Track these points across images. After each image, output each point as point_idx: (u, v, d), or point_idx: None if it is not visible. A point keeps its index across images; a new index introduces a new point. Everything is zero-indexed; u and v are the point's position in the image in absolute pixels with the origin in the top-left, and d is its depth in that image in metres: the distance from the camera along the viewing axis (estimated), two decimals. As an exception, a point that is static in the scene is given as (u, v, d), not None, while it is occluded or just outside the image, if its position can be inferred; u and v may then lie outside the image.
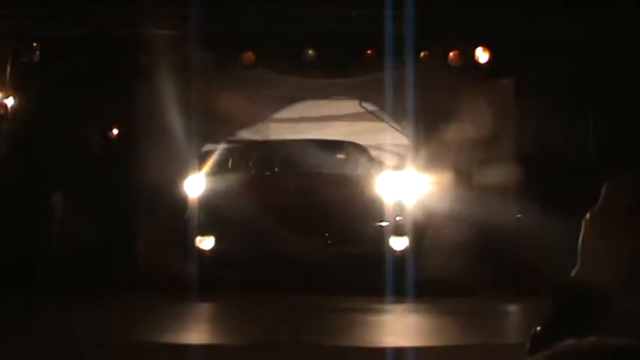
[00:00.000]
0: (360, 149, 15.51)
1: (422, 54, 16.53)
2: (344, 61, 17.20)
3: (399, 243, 12.46)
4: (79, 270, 14.12)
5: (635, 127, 15.01)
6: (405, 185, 12.83)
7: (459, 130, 16.68)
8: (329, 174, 13.89)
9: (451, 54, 16.55)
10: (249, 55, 16.75)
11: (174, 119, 15.50)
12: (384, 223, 12.45)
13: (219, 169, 13.69)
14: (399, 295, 11.88)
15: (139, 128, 16.47)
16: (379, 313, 11.42)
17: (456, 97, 16.83)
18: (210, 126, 16.61)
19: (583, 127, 16.59)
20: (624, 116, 15.42)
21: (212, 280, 12.60)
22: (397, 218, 12.52)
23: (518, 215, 15.51)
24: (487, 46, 16.56)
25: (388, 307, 11.78)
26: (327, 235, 12.48)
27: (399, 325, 11.39)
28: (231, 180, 13.56)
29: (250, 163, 15.22)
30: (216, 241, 12.57)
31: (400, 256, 12.37)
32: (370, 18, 15.98)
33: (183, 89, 16.90)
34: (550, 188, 15.07)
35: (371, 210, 12.52)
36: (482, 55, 16.74)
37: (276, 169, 14.35)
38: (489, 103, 17.16)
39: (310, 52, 16.70)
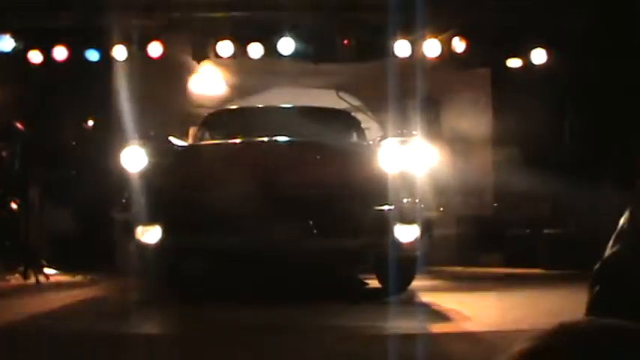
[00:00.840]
0: (356, 121, 11.89)
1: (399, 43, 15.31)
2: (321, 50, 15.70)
3: (406, 233, 8.17)
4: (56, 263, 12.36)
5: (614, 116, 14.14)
6: (415, 158, 8.39)
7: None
8: (315, 143, 9.58)
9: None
10: (225, 44, 15.63)
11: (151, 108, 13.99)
12: (386, 207, 8.17)
13: (170, 137, 9.33)
14: (407, 307, 8.24)
15: (114, 118, 14.02)
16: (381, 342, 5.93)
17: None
18: (184, 115, 14.99)
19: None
20: (604, 108, 14.45)
21: (156, 286, 9.06)
22: (404, 200, 8.23)
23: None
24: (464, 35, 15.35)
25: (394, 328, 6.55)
26: (311, 222, 8.13)
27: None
28: (183, 149, 9.29)
29: (216, 131, 11.14)
30: (164, 233, 8.14)
31: (408, 250, 8.29)
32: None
33: (157, 79, 16.25)
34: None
35: (370, 190, 8.28)
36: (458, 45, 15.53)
37: (245, 138, 9.75)
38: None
39: (287, 40, 15.38)
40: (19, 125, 12.80)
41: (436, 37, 15.46)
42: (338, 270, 10.49)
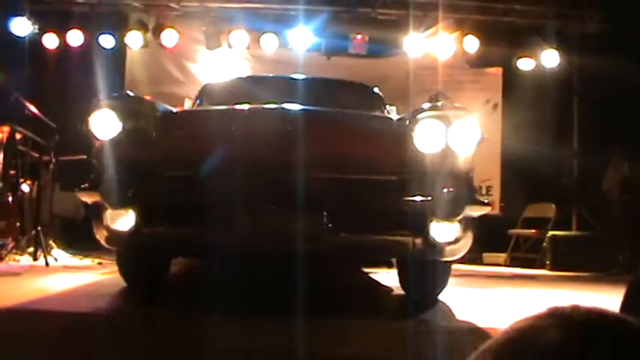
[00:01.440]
0: (381, 98, 8.47)
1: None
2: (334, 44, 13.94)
3: (446, 231, 5.28)
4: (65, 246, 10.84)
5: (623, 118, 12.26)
6: (461, 137, 5.39)
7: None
8: (334, 114, 6.34)
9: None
10: (239, 35, 13.69)
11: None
12: (421, 198, 5.22)
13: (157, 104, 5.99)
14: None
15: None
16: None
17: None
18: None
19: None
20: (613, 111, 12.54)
21: (129, 288, 6.18)
22: (444, 191, 5.25)
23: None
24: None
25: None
26: (325, 214, 5.14)
27: None
28: (169, 114, 5.95)
29: (216, 102, 7.71)
30: (139, 219, 5.28)
31: (445, 253, 5.45)
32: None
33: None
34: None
35: (401, 176, 5.39)
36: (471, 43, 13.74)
37: (251, 105, 6.32)
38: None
39: (300, 33, 13.53)
40: (32, 108, 10.73)
41: (449, 34, 13.10)
42: (358, 276, 7.36)
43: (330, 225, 5.07)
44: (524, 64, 13.57)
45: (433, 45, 13.30)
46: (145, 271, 5.98)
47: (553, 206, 13.30)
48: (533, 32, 13.38)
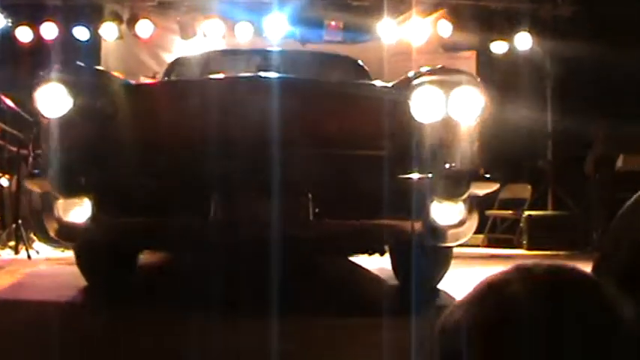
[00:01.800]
0: (366, 72, 7.08)
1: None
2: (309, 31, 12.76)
3: (448, 213, 4.26)
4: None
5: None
6: (463, 106, 4.31)
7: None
8: (318, 83, 5.29)
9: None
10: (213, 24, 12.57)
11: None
12: (419, 176, 4.19)
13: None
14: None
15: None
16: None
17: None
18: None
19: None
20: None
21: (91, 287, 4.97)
22: (446, 166, 4.29)
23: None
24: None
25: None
26: (310, 197, 4.09)
27: None
28: (129, 87, 4.70)
29: (186, 72, 6.67)
30: (96, 209, 4.17)
31: (447, 238, 4.41)
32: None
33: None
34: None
35: (396, 150, 4.30)
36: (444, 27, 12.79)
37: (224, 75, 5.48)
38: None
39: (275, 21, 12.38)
40: (8, 102, 10.08)
41: (423, 18, 12.12)
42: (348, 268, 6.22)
43: (315, 209, 4.05)
44: (498, 48, 12.60)
45: (407, 30, 12.32)
46: (107, 268, 4.84)
47: (529, 187, 12.42)
48: (506, 15, 12.39)
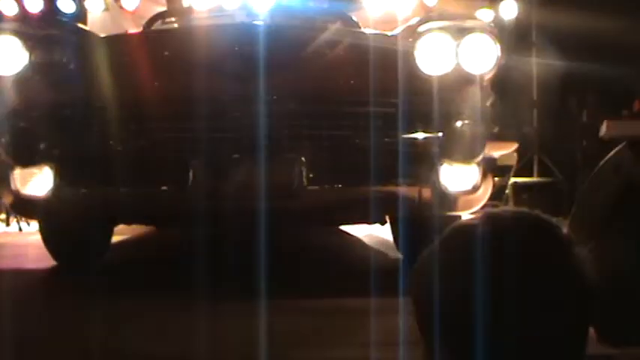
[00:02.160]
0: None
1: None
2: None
3: (461, 177, 3.43)
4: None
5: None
6: (475, 55, 3.44)
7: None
8: (309, 29, 4.48)
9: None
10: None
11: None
12: (427, 135, 3.41)
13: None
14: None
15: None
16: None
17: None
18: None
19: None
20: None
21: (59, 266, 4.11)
22: (457, 124, 3.43)
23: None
24: None
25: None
26: (304, 161, 3.29)
27: None
28: (93, 39, 3.70)
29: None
30: (59, 179, 3.39)
31: (459, 205, 3.55)
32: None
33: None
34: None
35: (399, 107, 3.40)
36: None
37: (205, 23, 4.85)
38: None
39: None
40: None
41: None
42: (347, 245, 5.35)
43: (310, 175, 3.28)
44: (483, 16, 11.80)
45: (392, 0, 11.49)
46: (75, 246, 3.97)
47: (514, 154, 11.70)
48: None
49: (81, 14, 11.95)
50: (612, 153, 1.93)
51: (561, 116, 11.31)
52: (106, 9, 11.79)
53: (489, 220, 1.19)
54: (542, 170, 12.09)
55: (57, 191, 3.36)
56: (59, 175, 3.35)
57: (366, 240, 5.27)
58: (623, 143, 1.93)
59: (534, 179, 11.88)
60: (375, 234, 5.18)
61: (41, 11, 11.67)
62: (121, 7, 11.75)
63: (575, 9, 9.91)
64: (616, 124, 10.72)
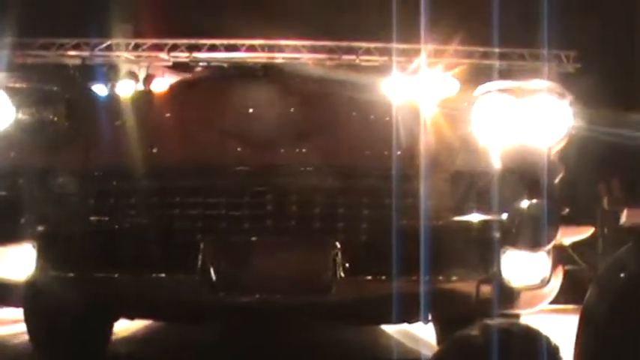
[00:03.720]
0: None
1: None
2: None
3: (527, 268, 2.59)
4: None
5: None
6: (542, 125, 2.62)
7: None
8: (347, 93, 3.37)
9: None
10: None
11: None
12: (487, 217, 2.54)
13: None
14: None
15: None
16: None
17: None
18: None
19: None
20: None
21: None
22: (523, 205, 2.54)
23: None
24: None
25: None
26: (339, 247, 2.47)
27: None
28: (91, 98, 3.14)
29: None
30: (42, 261, 2.59)
31: (525, 302, 2.70)
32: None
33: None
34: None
35: (453, 183, 2.61)
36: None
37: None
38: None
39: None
40: None
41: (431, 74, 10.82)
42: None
43: (345, 265, 2.47)
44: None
45: (414, 89, 10.88)
46: (66, 339, 3.17)
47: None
48: (512, 73, 11.00)
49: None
50: (620, 251, 1.88)
51: (583, 203, 10.55)
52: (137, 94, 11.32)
53: (481, 331, 1.37)
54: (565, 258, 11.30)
55: (40, 275, 2.57)
56: (43, 256, 2.56)
57: (397, 337, 4.34)
58: (630, 243, 1.86)
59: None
60: (407, 328, 4.28)
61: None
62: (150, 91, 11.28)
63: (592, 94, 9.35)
64: (636, 212, 9.98)
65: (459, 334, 1.41)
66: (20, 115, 2.64)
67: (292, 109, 2.65)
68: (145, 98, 3.52)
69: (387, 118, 2.79)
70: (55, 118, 2.69)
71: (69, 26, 11.24)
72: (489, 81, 8.47)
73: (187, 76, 11.17)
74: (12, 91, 2.65)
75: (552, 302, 3.19)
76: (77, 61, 11.38)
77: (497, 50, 10.89)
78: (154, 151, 2.68)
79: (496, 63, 11.09)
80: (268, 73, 2.94)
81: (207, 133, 2.66)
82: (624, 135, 9.20)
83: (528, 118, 2.63)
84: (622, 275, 1.94)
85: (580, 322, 1.91)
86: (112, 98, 3.28)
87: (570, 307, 8.93)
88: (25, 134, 2.65)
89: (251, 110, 2.70)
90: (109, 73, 11.43)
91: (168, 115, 2.89)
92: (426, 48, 10.62)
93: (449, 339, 1.44)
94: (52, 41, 11.23)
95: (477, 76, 10.99)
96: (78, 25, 11.21)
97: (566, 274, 8.32)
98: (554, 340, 1.32)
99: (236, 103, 2.75)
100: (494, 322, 1.40)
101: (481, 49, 10.94)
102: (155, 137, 2.73)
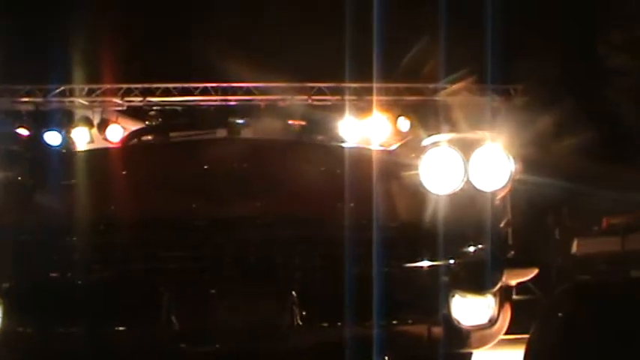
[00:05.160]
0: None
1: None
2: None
3: (475, 310, 2.75)
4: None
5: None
6: (486, 172, 2.79)
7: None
8: (304, 143, 4.04)
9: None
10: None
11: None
12: (436, 262, 2.70)
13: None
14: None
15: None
16: None
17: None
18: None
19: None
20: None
21: None
22: (470, 249, 2.73)
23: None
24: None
25: None
26: (295, 295, 2.61)
27: None
28: (55, 154, 3.92)
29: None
30: (6, 317, 2.64)
31: (473, 342, 2.82)
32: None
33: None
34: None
35: (404, 230, 2.75)
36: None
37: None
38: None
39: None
40: None
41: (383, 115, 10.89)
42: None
43: (302, 312, 2.59)
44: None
45: (368, 128, 11.03)
46: None
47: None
48: (462, 108, 11.20)
49: (67, 146, 11.42)
50: (558, 291, 2.08)
51: (535, 234, 10.77)
52: (91, 141, 11.28)
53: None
54: (521, 288, 11.46)
55: (5, 331, 2.63)
56: (8, 313, 2.63)
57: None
58: (569, 283, 2.23)
59: (514, 297, 11.21)
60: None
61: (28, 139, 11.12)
62: (105, 139, 11.25)
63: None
64: (586, 241, 10.25)
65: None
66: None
67: (246, 165, 2.77)
68: (106, 154, 3.60)
69: (339, 170, 2.92)
70: (19, 177, 2.78)
71: (21, 72, 11.19)
72: (439, 118, 8.67)
73: (140, 123, 11.25)
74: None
75: (509, 333, 3.37)
76: (30, 107, 11.35)
77: (447, 86, 11.12)
78: (115, 207, 2.78)
79: (447, 99, 11.32)
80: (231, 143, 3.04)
81: (167, 189, 2.76)
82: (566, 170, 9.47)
83: (473, 167, 2.79)
84: (559, 315, 2.12)
85: (525, 355, 2.10)
86: (73, 155, 3.34)
87: (526, 336, 9.17)
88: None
89: (208, 168, 2.81)
90: (63, 119, 11.40)
91: (129, 172, 2.97)
92: (376, 86, 10.82)
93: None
94: (5, 87, 11.21)
95: (427, 113, 11.24)
96: (30, 71, 11.17)
97: (522, 303, 8.44)
98: None
99: (195, 162, 2.86)
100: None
101: (431, 86, 11.16)
102: (116, 193, 2.83)
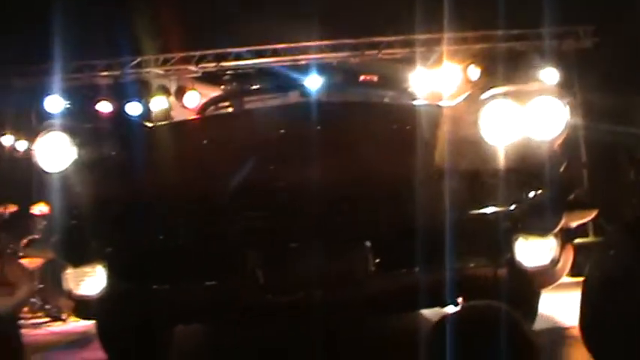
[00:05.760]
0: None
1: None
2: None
3: (538, 252, 2.89)
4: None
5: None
6: (543, 122, 2.93)
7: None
8: (363, 102, 4.33)
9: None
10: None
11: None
12: (499, 208, 2.86)
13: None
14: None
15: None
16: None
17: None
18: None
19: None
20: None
21: None
22: (531, 195, 2.87)
23: None
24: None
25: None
26: (369, 245, 2.83)
27: None
28: (143, 130, 3.33)
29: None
30: (112, 278, 2.97)
31: (537, 283, 3.12)
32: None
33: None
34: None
35: (467, 180, 2.90)
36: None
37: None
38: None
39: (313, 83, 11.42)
40: None
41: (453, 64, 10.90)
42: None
43: (376, 260, 2.81)
44: (547, 77, 11.21)
45: (438, 79, 11.05)
46: (135, 346, 3.51)
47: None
48: (531, 53, 11.08)
49: (147, 115, 11.81)
50: (609, 232, 2.40)
51: (611, 175, 10.65)
52: (170, 109, 11.63)
53: (464, 311, 1.79)
54: (597, 230, 11.39)
55: (110, 290, 2.94)
56: (112, 274, 2.94)
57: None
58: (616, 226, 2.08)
59: (590, 239, 11.15)
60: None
61: (110, 113, 11.53)
62: (183, 106, 11.59)
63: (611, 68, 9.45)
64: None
65: (444, 315, 1.88)
66: (80, 153, 3.01)
67: (320, 127, 2.98)
68: (189, 125, 3.88)
69: (408, 127, 3.11)
70: (111, 153, 3.07)
71: (97, 48, 11.56)
72: (508, 65, 8.65)
73: (215, 88, 11.53)
74: (71, 132, 3.03)
75: (573, 275, 3.50)
76: (109, 81, 11.75)
77: (515, 32, 11.04)
78: (202, 175, 3.04)
79: (515, 44, 11.23)
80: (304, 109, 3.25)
81: (248, 155, 2.99)
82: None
83: (530, 117, 2.94)
84: (611, 253, 2.24)
85: (582, 294, 2.23)
86: (159, 129, 3.59)
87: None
88: (85, 170, 3.02)
89: (285, 132, 3.04)
90: (142, 90, 11.78)
91: (210, 142, 3.22)
92: (446, 36, 10.81)
93: (440, 318, 1.92)
94: (85, 63, 11.62)
95: (496, 60, 11.17)
96: (106, 46, 11.53)
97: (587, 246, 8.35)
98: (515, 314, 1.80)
99: (273, 127, 3.08)
100: (474, 303, 1.97)
101: (499, 32, 11.08)
102: (201, 163, 3.09)
